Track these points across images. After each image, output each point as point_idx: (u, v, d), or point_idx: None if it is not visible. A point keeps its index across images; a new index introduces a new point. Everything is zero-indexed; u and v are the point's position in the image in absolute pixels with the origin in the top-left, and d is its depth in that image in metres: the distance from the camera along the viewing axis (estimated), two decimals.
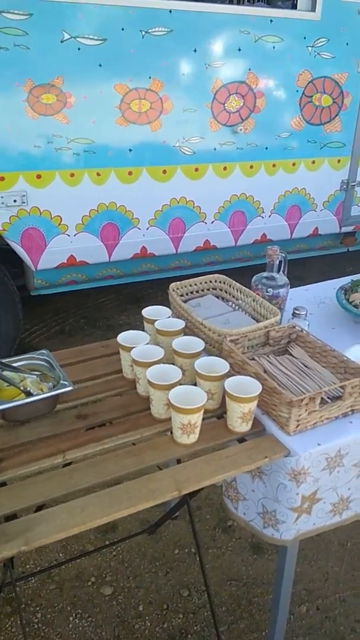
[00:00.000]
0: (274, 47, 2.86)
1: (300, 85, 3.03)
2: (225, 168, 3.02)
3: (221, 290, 1.87)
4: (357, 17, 3.01)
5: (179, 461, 1.30)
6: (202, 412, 1.27)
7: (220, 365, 1.40)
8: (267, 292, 1.71)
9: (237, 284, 1.80)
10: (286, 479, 1.29)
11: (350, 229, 3.61)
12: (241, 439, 1.35)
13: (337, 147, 3.30)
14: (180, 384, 1.32)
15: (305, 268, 4.55)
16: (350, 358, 1.43)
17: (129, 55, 2.56)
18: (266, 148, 3.09)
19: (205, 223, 3.11)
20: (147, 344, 1.48)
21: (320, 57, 3.01)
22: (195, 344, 1.49)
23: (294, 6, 2.97)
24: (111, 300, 4.15)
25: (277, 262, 1.72)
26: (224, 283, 1.86)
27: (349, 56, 3.09)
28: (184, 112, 2.78)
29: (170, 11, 2.56)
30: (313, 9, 2.88)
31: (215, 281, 1.87)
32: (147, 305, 1.65)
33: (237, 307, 1.80)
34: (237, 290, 1.80)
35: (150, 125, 2.73)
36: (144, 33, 2.55)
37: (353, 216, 3.58)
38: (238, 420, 1.31)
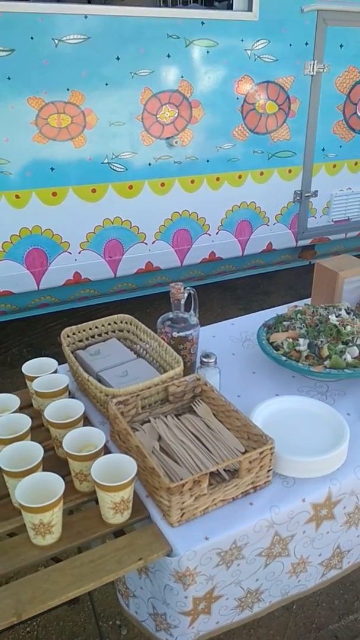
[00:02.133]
0: (207, 52, 2.63)
1: (241, 92, 2.80)
2: (162, 184, 2.78)
3: (128, 332, 1.63)
4: (300, 15, 2.79)
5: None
6: (60, 505, 1.02)
7: (97, 439, 1.16)
8: (173, 334, 1.47)
9: (143, 326, 1.56)
10: (171, 581, 1.05)
11: (307, 242, 3.38)
12: (119, 531, 1.10)
13: (286, 157, 3.08)
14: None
15: (271, 281, 4.33)
16: (252, 421, 1.19)
17: (41, 66, 2.32)
18: (207, 161, 2.86)
19: (146, 243, 2.87)
20: (14, 412, 1.24)
21: (262, 60, 2.78)
22: (75, 409, 1.25)
23: (230, 7, 2.75)
24: (62, 324, 3.91)
25: (184, 301, 1.48)
26: (130, 324, 1.62)
27: (294, 58, 2.87)
28: (111, 125, 2.54)
29: (86, 17, 2.33)
30: (250, 9, 2.66)
31: (121, 322, 1.63)
32: None
33: (144, 352, 1.56)
34: (143, 333, 1.56)
35: (73, 141, 2.49)
36: (57, 41, 2.31)
37: (310, 229, 3.35)
38: (110, 511, 1.06)
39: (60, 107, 2.41)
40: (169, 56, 2.55)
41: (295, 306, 1.65)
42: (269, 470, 1.14)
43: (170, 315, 1.50)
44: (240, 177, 2.99)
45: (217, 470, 1.15)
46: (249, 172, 3.00)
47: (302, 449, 1.19)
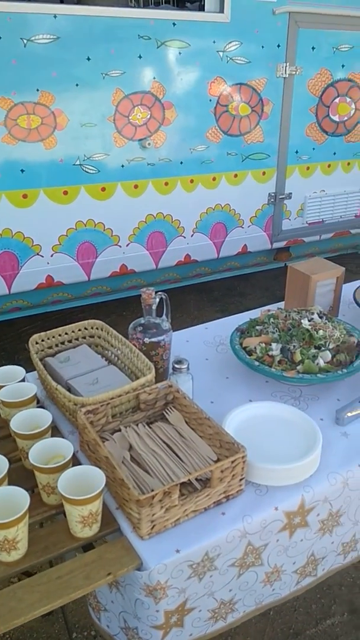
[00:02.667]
0: (179, 53, 2.61)
1: (214, 94, 2.79)
2: (136, 186, 2.75)
3: (99, 337, 1.60)
4: (272, 17, 2.79)
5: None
6: (25, 520, 0.99)
7: (66, 450, 1.12)
8: (145, 340, 1.44)
9: (114, 332, 1.53)
10: (142, 595, 1.03)
11: (282, 244, 3.38)
12: (88, 545, 1.07)
13: (260, 159, 3.07)
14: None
15: (248, 283, 4.33)
16: (224, 429, 1.17)
17: (10, 66, 2.27)
18: (181, 162, 2.84)
19: (120, 246, 2.83)
20: None
21: (234, 62, 2.77)
22: (42, 419, 1.21)
23: (201, 8, 2.74)
24: (36, 328, 3.84)
25: (155, 306, 1.46)
26: (101, 330, 1.58)
27: (266, 60, 2.86)
28: (82, 127, 2.51)
29: (55, 16, 2.29)
30: (221, 10, 2.65)
31: (92, 328, 1.60)
32: None
33: (116, 359, 1.53)
34: (114, 339, 1.53)
35: (43, 142, 2.45)
36: (25, 41, 2.27)
37: (285, 231, 3.36)
38: (78, 525, 1.03)
39: (30, 108, 2.37)
40: (140, 57, 2.53)
41: (269, 310, 1.64)
42: (241, 479, 1.13)
43: (142, 320, 1.47)
44: (214, 179, 2.97)
45: (189, 479, 1.13)
46: (223, 174, 2.99)
47: (275, 456, 1.17)
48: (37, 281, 2.68)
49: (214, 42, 2.68)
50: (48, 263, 2.67)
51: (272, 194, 3.20)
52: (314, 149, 3.23)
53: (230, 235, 3.16)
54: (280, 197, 3.23)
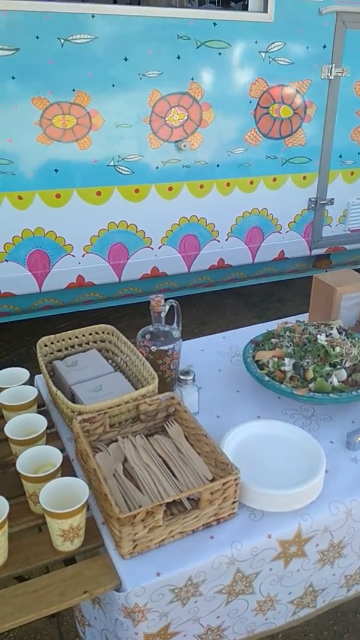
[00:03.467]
0: (219, 54, 2.56)
1: (254, 96, 2.72)
2: (170, 188, 2.72)
3: (110, 342, 1.57)
4: (318, 17, 2.69)
5: None
6: (4, 529, 0.97)
7: (56, 458, 1.10)
8: (152, 349, 1.41)
9: (124, 338, 1.50)
10: (120, 615, 0.99)
11: (322, 251, 3.27)
12: (70, 559, 1.05)
13: (301, 163, 2.98)
14: None
15: (288, 289, 4.22)
16: (220, 448, 1.11)
17: (46, 66, 2.28)
18: (217, 165, 2.78)
19: (152, 248, 2.81)
20: None
21: (276, 63, 2.70)
22: (38, 425, 1.19)
23: (245, 7, 2.67)
24: (73, 326, 3.88)
25: (164, 314, 1.42)
26: (112, 335, 1.56)
27: (310, 61, 2.77)
28: (118, 127, 2.49)
29: (93, 16, 2.28)
30: (265, 10, 2.58)
31: (103, 332, 1.57)
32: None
33: (124, 365, 1.50)
34: (123, 345, 1.50)
35: (78, 142, 2.45)
36: (62, 41, 2.27)
37: (325, 237, 3.25)
38: (59, 539, 1.00)
39: (66, 108, 2.37)
40: (179, 57, 2.49)
41: (286, 322, 1.57)
42: (234, 502, 1.07)
43: (151, 328, 1.43)
44: (252, 182, 2.90)
45: (180, 498, 1.08)
46: (262, 178, 2.92)
47: (273, 479, 1.11)
48: (68, 280, 2.69)
49: (256, 42, 2.61)
50: (79, 263, 2.67)
51: (313, 199, 3.10)
52: (359, 153, 3.11)
53: (267, 241, 3.08)
54: (322, 202, 3.13)
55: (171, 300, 1.45)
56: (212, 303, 3.92)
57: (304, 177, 3.02)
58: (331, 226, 3.23)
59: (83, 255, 2.66)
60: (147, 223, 2.74)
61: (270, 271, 3.33)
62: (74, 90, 2.36)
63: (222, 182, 2.83)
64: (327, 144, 2.99)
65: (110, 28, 2.33)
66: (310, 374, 1.34)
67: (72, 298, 2.87)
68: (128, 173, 2.60)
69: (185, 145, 2.64)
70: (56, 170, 2.46)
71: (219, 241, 2.96)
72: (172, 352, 1.42)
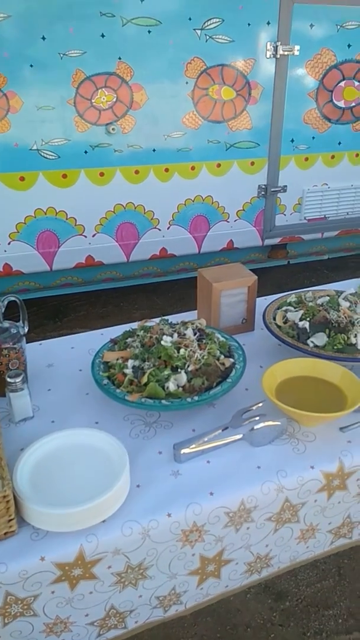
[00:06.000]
0: (149, 32, 2.42)
1: (191, 76, 2.58)
2: (102, 174, 2.61)
3: None
4: None
5: None
6: None
7: None
8: None
9: None
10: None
11: (276, 241, 3.13)
12: None
13: (248, 148, 2.83)
14: None
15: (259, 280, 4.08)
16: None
17: None
18: (154, 150, 2.66)
19: (85, 236, 2.71)
20: None
21: (214, 41, 2.55)
22: None
23: None
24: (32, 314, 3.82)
25: (3, 309, 1.32)
26: None
27: (253, 39, 2.61)
28: (39, 110, 2.39)
29: None
30: None
31: None
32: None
33: None
34: None
35: None
36: None
37: (278, 227, 3.10)
38: None
39: None
40: (103, 36, 2.36)
41: (146, 321, 1.46)
42: (9, 520, 0.98)
43: None
44: (193, 168, 2.77)
45: None
46: (204, 164, 2.78)
47: (66, 497, 1.01)
48: None
49: (190, 19, 2.47)
50: (5, 251, 2.59)
51: (263, 186, 2.95)
52: (313, 137, 2.94)
53: (214, 230, 2.96)
54: (273, 189, 2.98)
55: (12, 296, 1.35)
56: (179, 292, 3.81)
57: (252, 163, 2.88)
58: (285, 215, 3.08)
59: (9, 243, 2.58)
60: (78, 210, 2.64)
61: (223, 261, 3.20)
62: None
63: (159, 168, 2.70)
64: (277, 127, 2.84)
65: (25, 6, 2.21)
66: (145, 379, 1.23)
67: (6, 287, 2.79)
68: (53, 157, 2.50)
69: (114, 129, 2.52)
70: None
71: (159, 229, 2.84)
72: (7, 352, 1.32)
